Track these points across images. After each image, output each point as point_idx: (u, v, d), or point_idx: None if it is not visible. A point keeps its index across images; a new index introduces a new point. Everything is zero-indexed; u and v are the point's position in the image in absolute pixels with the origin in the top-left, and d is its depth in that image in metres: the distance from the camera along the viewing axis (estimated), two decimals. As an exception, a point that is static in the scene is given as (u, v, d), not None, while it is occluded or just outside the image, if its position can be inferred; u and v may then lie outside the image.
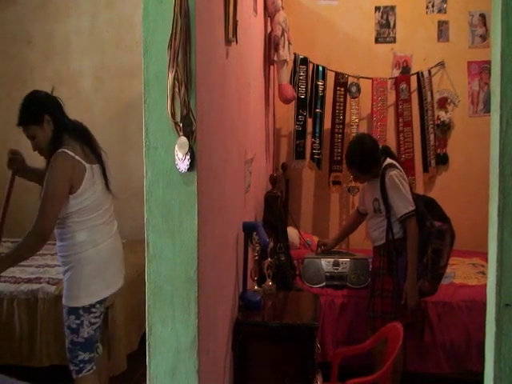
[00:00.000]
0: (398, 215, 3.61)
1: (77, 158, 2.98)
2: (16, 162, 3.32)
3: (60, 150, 2.96)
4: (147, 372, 2.09)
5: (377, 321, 3.70)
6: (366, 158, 3.69)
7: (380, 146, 3.83)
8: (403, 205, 3.58)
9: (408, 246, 3.60)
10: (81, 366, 3.13)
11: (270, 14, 4.33)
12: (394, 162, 3.73)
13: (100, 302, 3.12)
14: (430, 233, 3.59)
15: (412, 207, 3.59)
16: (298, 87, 5.17)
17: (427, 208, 3.68)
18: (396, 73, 5.37)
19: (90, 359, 3.15)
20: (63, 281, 3.15)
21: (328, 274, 4.19)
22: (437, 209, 3.73)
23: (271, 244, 3.48)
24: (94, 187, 3.04)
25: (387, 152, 3.80)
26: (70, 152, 2.96)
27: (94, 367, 3.18)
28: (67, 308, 3.09)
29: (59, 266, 4.53)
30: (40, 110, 3.06)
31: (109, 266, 3.17)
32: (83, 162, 2.99)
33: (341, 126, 5.29)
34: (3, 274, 4.32)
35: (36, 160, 3.29)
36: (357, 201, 5.31)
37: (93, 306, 3.08)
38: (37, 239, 2.97)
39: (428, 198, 3.92)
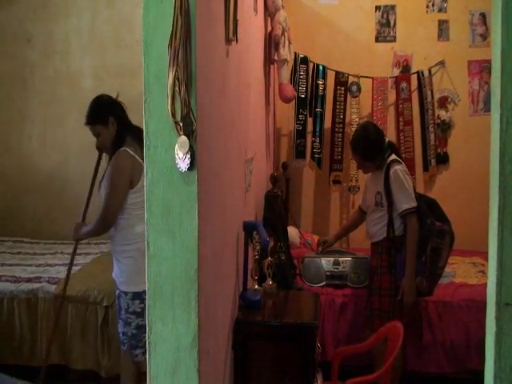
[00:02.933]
0: (399, 210, 3.60)
1: (136, 157, 3.24)
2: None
3: (122, 149, 3.26)
4: (147, 371, 2.09)
5: (375, 319, 3.71)
6: (369, 144, 3.71)
7: (386, 140, 3.81)
8: (405, 200, 3.57)
9: (407, 242, 3.59)
10: (145, 347, 3.23)
11: (270, 13, 4.32)
12: (399, 159, 3.74)
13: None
14: (430, 231, 3.57)
15: (414, 203, 3.58)
16: (299, 86, 5.17)
17: (428, 208, 3.67)
18: (396, 72, 5.37)
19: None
20: (117, 270, 3.36)
21: (328, 274, 4.19)
22: (437, 209, 3.72)
23: (271, 243, 3.49)
24: None
25: (392, 147, 3.81)
26: (130, 151, 3.25)
27: None
28: (131, 294, 3.28)
29: (59, 265, 4.59)
30: (105, 111, 3.35)
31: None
32: (141, 162, 3.14)
33: (341, 126, 5.29)
34: (4, 273, 4.36)
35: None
36: (357, 200, 5.33)
37: (144, 292, 3.19)
38: (101, 226, 3.34)
39: (429, 198, 3.91)
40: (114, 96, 3.50)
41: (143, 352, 3.26)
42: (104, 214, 3.27)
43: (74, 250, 3.78)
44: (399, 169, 3.62)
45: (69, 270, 3.81)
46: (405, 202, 3.57)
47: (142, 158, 3.00)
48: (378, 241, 3.76)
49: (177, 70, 1.90)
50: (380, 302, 3.71)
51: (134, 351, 3.36)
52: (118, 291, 3.38)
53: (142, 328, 3.20)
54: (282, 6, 4.41)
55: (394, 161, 3.67)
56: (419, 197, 3.73)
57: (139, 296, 3.23)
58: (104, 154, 3.58)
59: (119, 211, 3.25)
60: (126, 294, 3.31)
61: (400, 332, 3.20)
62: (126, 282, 3.32)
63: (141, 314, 3.24)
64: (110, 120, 3.33)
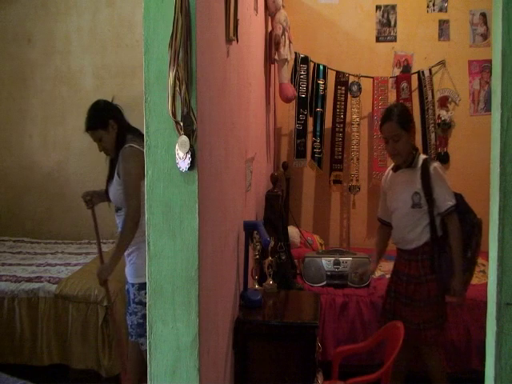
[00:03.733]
0: (443, 208, 3.40)
1: (142, 150, 3.21)
2: (92, 202, 3.79)
3: (127, 145, 3.34)
4: (148, 371, 2.09)
5: (428, 331, 3.49)
6: (404, 109, 3.54)
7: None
8: (449, 197, 3.40)
9: (453, 240, 3.40)
10: None
11: (270, 12, 4.32)
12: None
13: None
14: (473, 225, 3.44)
15: (455, 201, 3.42)
16: (299, 86, 5.17)
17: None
18: (397, 72, 5.38)
19: None
20: (128, 261, 3.43)
21: (329, 273, 4.20)
22: (464, 203, 3.53)
23: (272, 243, 3.48)
24: None
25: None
26: (135, 145, 3.32)
27: None
28: (138, 285, 3.36)
29: (60, 264, 4.60)
30: (105, 116, 3.45)
31: None
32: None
33: (341, 125, 5.29)
34: (4, 272, 4.36)
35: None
36: (358, 200, 5.34)
37: None
38: (130, 224, 3.29)
39: (456, 193, 3.59)
40: (110, 100, 3.60)
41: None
42: (127, 213, 3.30)
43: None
44: (438, 165, 3.48)
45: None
46: (449, 200, 3.40)
47: None
48: (418, 246, 3.48)
49: (177, 70, 1.90)
50: (432, 311, 3.49)
51: (140, 339, 3.43)
52: (126, 285, 3.47)
53: (145, 319, 3.24)
54: (283, 6, 4.41)
55: (429, 158, 3.55)
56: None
57: (146, 287, 3.25)
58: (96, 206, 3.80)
59: (140, 204, 3.26)
60: (132, 285, 3.39)
61: (401, 332, 3.20)
62: (133, 274, 3.40)
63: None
64: (110, 123, 3.41)
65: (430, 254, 3.45)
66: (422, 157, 3.50)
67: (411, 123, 3.47)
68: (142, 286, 3.31)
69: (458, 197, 3.49)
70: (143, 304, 3.32)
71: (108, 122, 3.41)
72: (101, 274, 3.46)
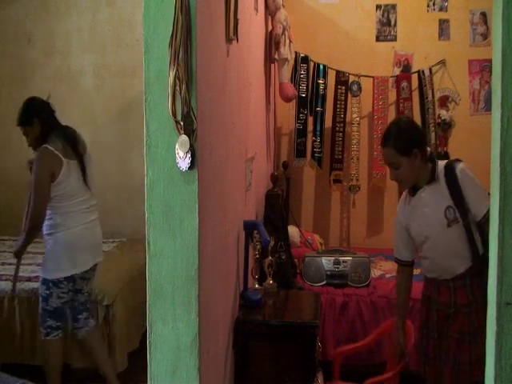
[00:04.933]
0: (481, 214, 2.78)
1: (56, 152, 3.54)
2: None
3: (43, 146, 3.56)
4: (148, 370, 2.09)
5: (476, 370, 2.79)
6: (401, 134, 2.89)
7: (428, 148, 3.02)
8: (485, 200, 2.70)
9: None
10: (48, 330, 3.69)
11: (270, 12, 4.32)
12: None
13: (67, 280, 3.64)
14: None
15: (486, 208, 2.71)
16: (299, 86, 5.17)
17: None
18: (397, 71, 5.37)
19: (57, 327, 3.70)
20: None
21: (329, 273, 4.19)
22: None
23: (272, 242, 3.49)
24: (70, 179, 3.59)
25: (443, 157, 3.09)
26: (50, 147, 3.54)
27: (61, 334, 3.73)
28: (41, 278, 3.67)
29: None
30: (31, 114, 3.68)
31: (78, 248, 3.65)
32: (61, 157, 3.55)
33: (342, 125, 5.28)
34: (4, 272, 4.36)
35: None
36: (357, 199, 5.34)
37: (60, 281, 3.62)
38: (30, 224, 3.53)
39: None
40: (45, 98, 3.82)
41: (44, 334, 3.70)
42: (33, 211, 3.49)
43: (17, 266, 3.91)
44: (465, 166, 2.90)
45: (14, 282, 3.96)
46: (485, 203, 2.71)
47: (62, 153, 3.60)
48: (466, 270, 2.88)
49: (177, 69, 1.91)
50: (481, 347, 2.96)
51: (40, 329, 3.74)
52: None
53: (46, 312, 3.65)
54: (283, 5, 4.41)
55: (453, 161, 2.95)
56: None
57: (46, 282, 3.62)
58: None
59: (45, 204, 3.50)
60: (40, 278, 3.70)
61: (411, 329, 3.18)
62: (41, 267, 3.73)
63: (45, 299, 3.63)
64: (35, 121, 3.65)
65: (477, 277, 2.84)
66: (442, 163, 2.93)
67: (413, 145, 2.85)
68: (44, 281, 3.64)
69: None
70: (42, 297, 3.66)
71: (33, 120, 3.65)
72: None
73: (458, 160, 2.93)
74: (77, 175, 3.63)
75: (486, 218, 2.69)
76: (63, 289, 3.62)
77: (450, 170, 2.86)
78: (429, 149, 3.01)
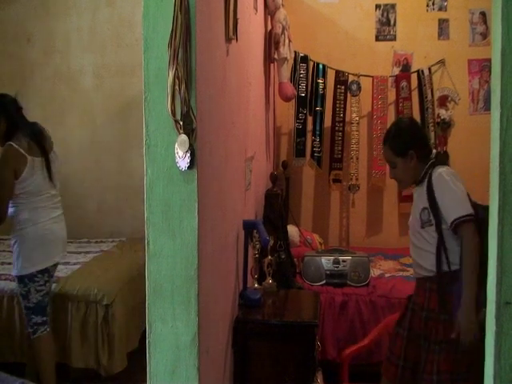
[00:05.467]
0: (448, 222, 2.76)
1: (20, 150, 3.56)
2: None
3: (7, 143, 3.59)
4: (147, 370, 2.09)
5: None
6: (400, 134, 2.96)
7: (434, 152, 3.02)
8: (455, 206, 2.76)
9: (464, 261, 2.72)
10: (35, 328, 3.68)
11: (270, 11, 4.32)
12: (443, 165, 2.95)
13: (42, 272, 3.66)
14: None
15: (468, 210, 2.74)
16: (299, 85, 5.17)
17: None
18: (396, 71, 5.37)
19: (43, 322, 3.70)
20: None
21: (328, 272, 4.19)
22: None
23: (271, 242, 3.48)
24: (34, 176, 3.61)
25: (442, 161, 2.98)
26: (14, 145, 3.56)
27: (48, 329, 3.73)
28: (16, 277, 3.68)
29: (59, 263, 4.59)
30: None
31: (47, 242, 3.69)
32: (25, 154, 3.56)
33: (341, 124, 5.28)
34: (4, 271, 4.36)
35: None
36: (357, 199, 5.35)
37: (35, 275, 3.63)
38: None
39: (483, 205, 2.79)
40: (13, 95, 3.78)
41: (31, 332, 3.69)
42: None
43: None
44: (444, 171, 2.85)
45: None
46: (454, 209, 2.75)
47: (27, 151, 3.60)
48: (432, 275, 2.86)
49: (177, 69, 1.91)
50: (449, 361, 2.80)
51: (27, 329, 3.75)
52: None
53: (29, 309, 3.67)
54: (282, 5, 4.41)
55: (436, 164, 2.91)
56: (477, 205, 2.84)
57: (22, 280, 3.63)
58: None
59: (7, 202, 3.54)
60: (14, 277, 3.71)
61: None
62: (13, 266, 3.70)
63: (25, 297, 3.64)
64: (1, 119, 3.65)
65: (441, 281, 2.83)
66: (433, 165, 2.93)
67: (409, 147, 2.90)
68: (19, 280, 3.65)
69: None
70: (22, 296, 3.67)
71: None
72: None
73: (441, 165, 2.91)
74: (42, 172, 3.66)
75: (455, 225, 2.72)
76: (39, 282, 3.65)
77: (431, 172, 2.87)
78: (435, 151, 3.02)
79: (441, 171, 2.84)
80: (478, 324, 2.66)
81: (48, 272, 3.71)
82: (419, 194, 2.91)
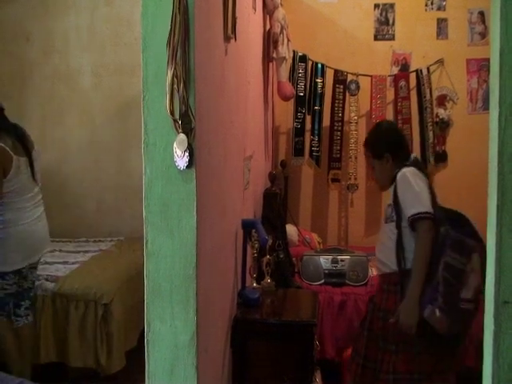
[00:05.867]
0: (406, 216, 2.86)
1: (6, 149, 3.59)
2: None
3: None
4: (146, 369, 2.09)
5: None
6: (376, 138, 3.16)
7: (412, 156, 3.15)
8: (413, 203, 2.85)
9: (415, 254, 2.80)
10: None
11: (268, 11, 4.32)
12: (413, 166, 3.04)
13: (14, 273, 3.67)
14: (443, 242, 2.73)
15: (426, 208, 2.83)
16: (297, 84, 5.16)
17: (454, 224, 2.83)
18: (395, 70, 5.37)
19: None
20: None
21: (327, 272, 4.19)
22: (467, 227, 2.84)
23: (270, 241, 3.49)
24: (20, 176, 3.65)
25: (417, 165, 3.08)
26: (2, 144, 3.57)
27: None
28: None
29: (58, 262, 4.59)
30: None
31: (28, 244, 3.71)
32: (11, 153, 3.59)
33: (340, 124, 5.28)
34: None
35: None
36: (356, 198, 5.35)
37: (7, 273, 3.65)
38: None
39: (455, 212, 2.97)
40: None
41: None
42: None
43: None
44: (408, 170, 2.96)
45: None
46: (413, 206, 2.84)
47: (12, 150, 3.61)
48: (389, 273, 2.97)
49: (175, 68, 1.91)
50: (408, 361, 2.85)
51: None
52: None
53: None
54: (281, 4, 4.41)
55: (404, 165, 3.02)
56: (439, 208, 2.92)
57: (2, 276, 3.63)
58: None
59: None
60: None
61: None
62: None
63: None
64: None
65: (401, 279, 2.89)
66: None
67: (385, 150, 3.06)
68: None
69: (456, 216, 2.92)
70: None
71: None
72: None
73: (408, 166, 3.01)
74: (26, 171, 3.72)
75: (411, 221, 2.82)
76: (9, 281, 3.66)
77: (397, 173, 2.98)
78: (413, 155, 3.18)
79: (405, 171, 2.96)
80: (416, 319, 2.74)
81: (20, 274, 3.70)
82: (390, 193, 3.02)
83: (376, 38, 5.40)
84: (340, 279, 4.18)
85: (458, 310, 2.70)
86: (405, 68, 5.36)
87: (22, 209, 3.69)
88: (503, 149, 1.52)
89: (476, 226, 2.81)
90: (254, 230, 3.19)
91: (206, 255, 2.21)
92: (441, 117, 5.27)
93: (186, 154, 1.94)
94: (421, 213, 2.81)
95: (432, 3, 5.29)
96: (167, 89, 1.92)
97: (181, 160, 1.95)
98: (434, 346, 2.80)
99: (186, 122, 1.94)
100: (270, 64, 4.61)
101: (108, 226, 5.63)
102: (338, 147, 5.29)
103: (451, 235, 2.74)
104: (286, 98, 4.66)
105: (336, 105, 5.28)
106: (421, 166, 3.19)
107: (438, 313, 2.69)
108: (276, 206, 4.01)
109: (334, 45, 5.41)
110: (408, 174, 2.94)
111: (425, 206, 2.83)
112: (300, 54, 5.18)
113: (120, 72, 5.57)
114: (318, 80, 5.24)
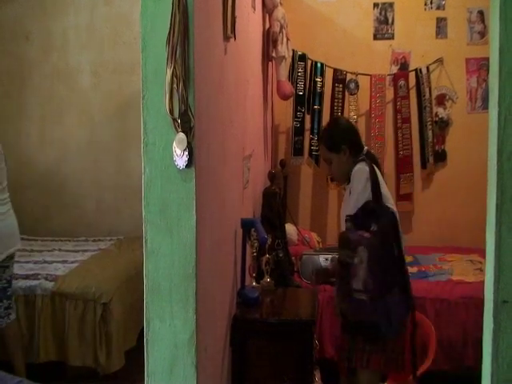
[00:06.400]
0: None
1: None
2: None
3: None
4: (145, 368, 2.09)
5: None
6: (335, 132, 3.14)
7: (365, 149, 3.12)
8: (355, 203, 2.91)
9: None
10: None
11: (268, 10, 4.32)
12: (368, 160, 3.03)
13: None
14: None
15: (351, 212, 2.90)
16: (297, 84, 5.17)
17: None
18: (394, 69, 5.37)
19: None
20: None
21: (326, 271, 4.19)
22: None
23: (269, 240, 3.48)
24: None
25: (370, 157, 3.09)
26: None
27: None
28: None
29: (57, 262, 4.59)
30: None
31: None
32: None
33: (339, 123, 5.29)
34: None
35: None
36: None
37: None
38: None
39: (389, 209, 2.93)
40: None
41: None
42: None
43: None
44: (359, 168, 2.97)
45: None
46: (355, 205, 2.90)
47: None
48: None
49: (175, 67, 1.91)
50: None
51: None
52: None
53: None
54: (280, 3, 4.41)
55: (360, 160, 3.01)
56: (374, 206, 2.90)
57: None
58: None
59: None
60: None
61: (430, 327, 3.28)
62: None
63: None
64: None
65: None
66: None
67: (341, 142, 3.04)
68: None
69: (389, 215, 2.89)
70: None
71: None
72: None
73: (363, 160, 3.00)
74: None
75: (345, 220, 2.88)
76: None
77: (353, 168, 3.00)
78: (366, 148, 3.13)
79: (356, 168, 2.97)
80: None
81: None
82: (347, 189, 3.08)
83: (375, 38, 5.40)
84: (339, 278, 4.17)
85: (351, 299, 2.81)
86: (404, 67, 5.37)
87: None
88: (502, 148, 1.52)
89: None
90: (253, 229, 3.19)
91: (206, 254, 2.21)
92: (440, 116, 5.28)
93: (186, 153, 1.94)
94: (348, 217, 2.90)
95: (431, 2, 5.29)
96: (166, 88, 1.92)
97: (180, 159, 1.95)
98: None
99: (185, 121, 1.94)
100: (270, 63, 4.60)
101: (107, 225, 5.62)
102: (338, 146, 5.29)
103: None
104: (285, 97, 4.66)
105: (335, 104, 5.29)
106: (374, 158, 3.20)
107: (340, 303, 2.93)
108: (275, 205, 4.01)
109: (333, 44, 5.41)
110: (357, 171, 2.96)
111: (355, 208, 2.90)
112: (299, 53, 5.18)
113: (119, 71, 5.57)
114: (318, 79, 5.25)
